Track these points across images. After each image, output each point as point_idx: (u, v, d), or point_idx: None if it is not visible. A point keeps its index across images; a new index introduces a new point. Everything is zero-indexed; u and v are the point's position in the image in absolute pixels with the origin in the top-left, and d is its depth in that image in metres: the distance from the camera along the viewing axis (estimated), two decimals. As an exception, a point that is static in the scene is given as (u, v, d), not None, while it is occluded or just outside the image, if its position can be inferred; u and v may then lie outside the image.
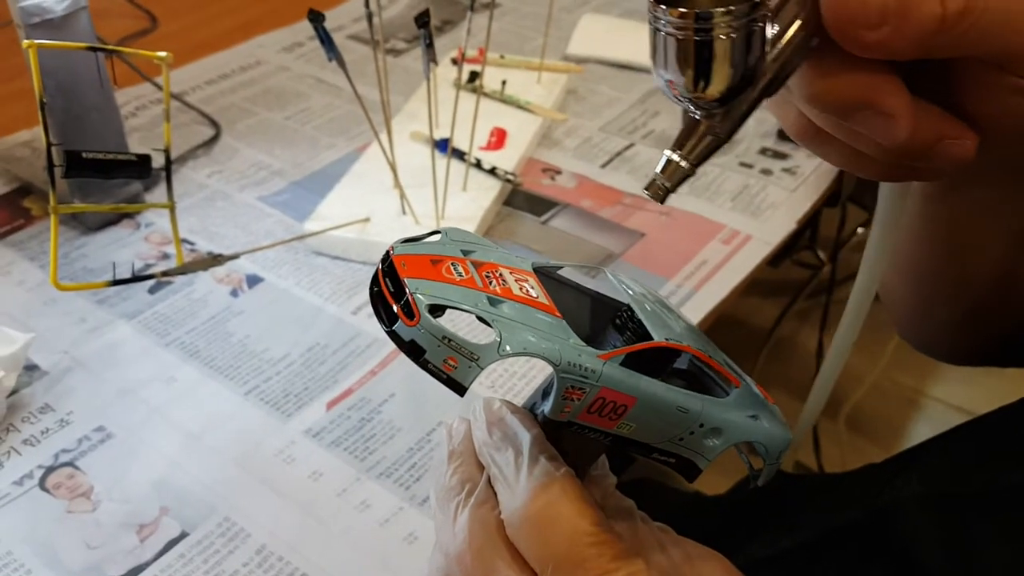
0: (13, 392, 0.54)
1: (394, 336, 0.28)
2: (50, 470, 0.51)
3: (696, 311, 0.62)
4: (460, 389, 0.28)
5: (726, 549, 0.52)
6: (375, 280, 0.30)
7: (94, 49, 0.46)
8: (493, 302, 0.29)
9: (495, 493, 0.31)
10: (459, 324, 0.30)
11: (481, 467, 0.33)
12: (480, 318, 0.28)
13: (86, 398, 0.55)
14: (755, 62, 0.26)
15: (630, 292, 0.35)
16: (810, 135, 0.31)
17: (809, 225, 1.03)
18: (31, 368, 0.56)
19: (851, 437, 1.21)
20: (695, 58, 0.25)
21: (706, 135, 0.28)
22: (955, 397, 1.29)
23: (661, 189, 0.28)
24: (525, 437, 0.31)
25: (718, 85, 0.26)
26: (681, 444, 0.32)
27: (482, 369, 0.28)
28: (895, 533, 0.45)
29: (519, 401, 0.35)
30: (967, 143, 0.29)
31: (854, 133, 0.29)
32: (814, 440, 1.11)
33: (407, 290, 0.28)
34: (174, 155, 0.75)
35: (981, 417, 0.50)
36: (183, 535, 0.47)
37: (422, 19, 0.53)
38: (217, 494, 0.49)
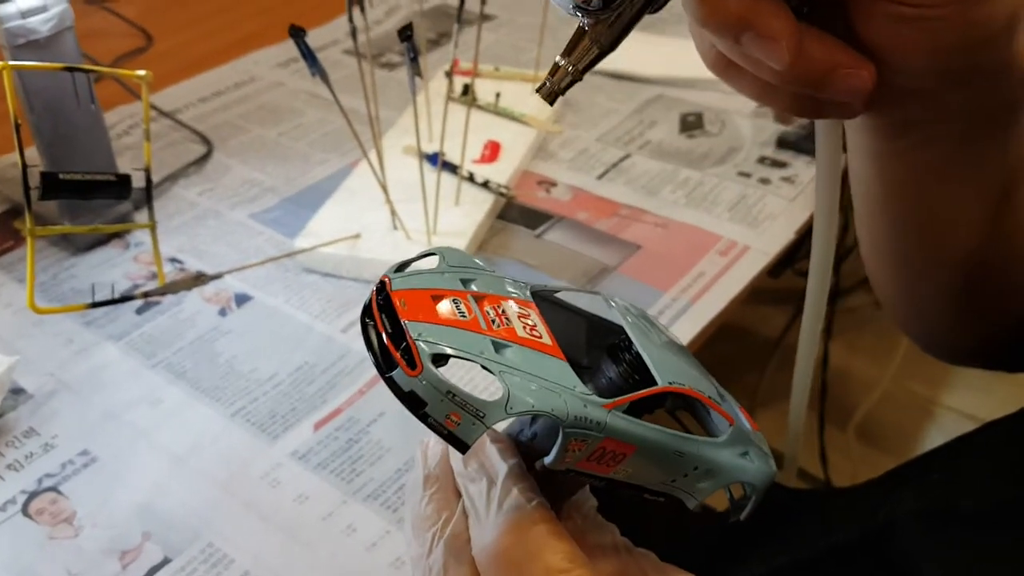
0: (-2, 416, 0.54)
1: (392, 384, 0.27)
2: (33, 495, 0.50)
3: (693, 324, 0.61)
4: (462, 447, 0.27)
5: (724, 564, 0.51)
6: (368, 311, 0.28)
7: (70, 69, 0.46)
8: (498, 347, 0.28)
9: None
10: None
11: (458, 493, 0.32)
12: (485, 367, 0.27)
13: (71, 421, 0.54)
14: None
15: (612, 304, 0.34)
16: (721, 66, 0.32)
17: (810, 234, 1.01)
18: (17, 392, 0.56)
19: (862, 448, 1.19)
20: None
21: (592, 45, 0.30)
22: (969, 406, 1.27)
23: (551, 92, 0.31)
24: (501, 468, 0.30)
25: None
26: (674, 485, 0.31)
27: (488, 428, 0.26)
28: (893, 551, 0.44)
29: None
30: (863, 73, 0.29)
31: (753, 61, 0.29)
32: (820, 451, 1.09)
33: (408, 335, 0.26)
34: (165, 174, 0.75)
35: (984, 427, 0.48)
36: (166, 561, 0.46)
37: (405, 32, 0.52)
38: (201, 518, 0.48)
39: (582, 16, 0.30)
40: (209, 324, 0.61)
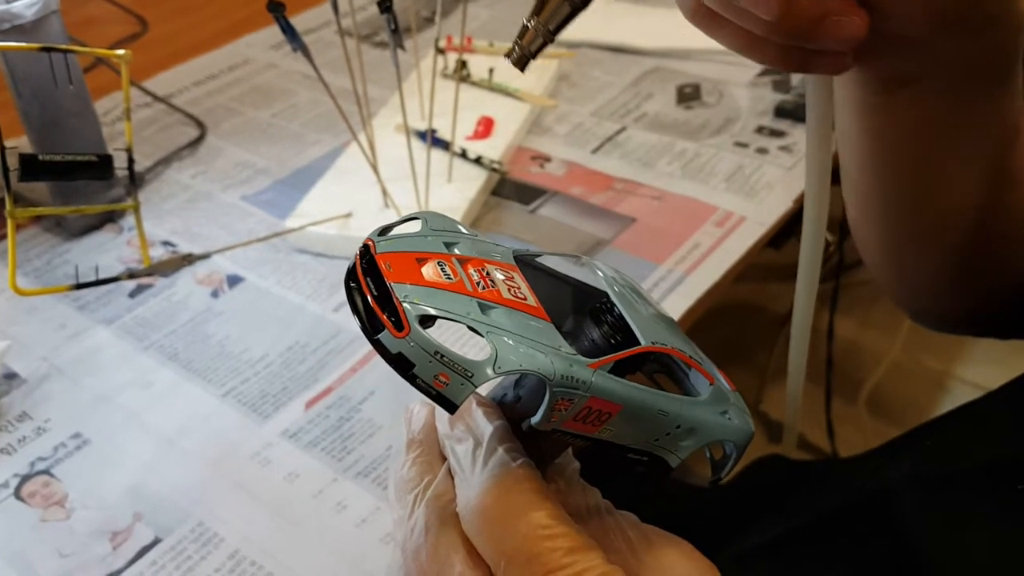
0: (-9, 401, 0.54)
1: (379, 346, 0.26)
2: (26, 479, 0.50)
3: (687, 296, 0.60)
4: (451, 406, 0.26)
5: (723, 538, 0.50)
6: (352, 275, 0.28)
7: (47, 50, 0.45)
8: (484, 308, 0.27)
9: (455, 485, 0.30)
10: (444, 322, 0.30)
11: (442, 458, 0.32)
12: (472, 328, 0.27)
13: (64, 405, 0.54)
14: None
15: (601, 274, 0.33)
16: (702, 15, 0.31)
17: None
18: (10, 376, 0.56)
19: (874, 422, 1.18)
20: None
21: (562, 1, 0.29)
22: (984, 378, 1.25)
23: (521, 57, 0.30)
24: (487, 429, 0.30)
25: None
26: (657, 444, 0.31)
27: (476, 387, 0.26)
28: (889, 516, 0.43)
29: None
30: (855, 20, 0.28)
31: (739, 11, 0.29)
32: (827, 425, 1.08)
33: (395, 297, 0.26)
34: (158, 157, 0.75)
35: (987, 395, 0.47)
36: (156, 541, 0.46)
37: (384, 4, 0.51)
38: (191, 499, 0.48)
39: None
40: (201, 306, 0.61)
